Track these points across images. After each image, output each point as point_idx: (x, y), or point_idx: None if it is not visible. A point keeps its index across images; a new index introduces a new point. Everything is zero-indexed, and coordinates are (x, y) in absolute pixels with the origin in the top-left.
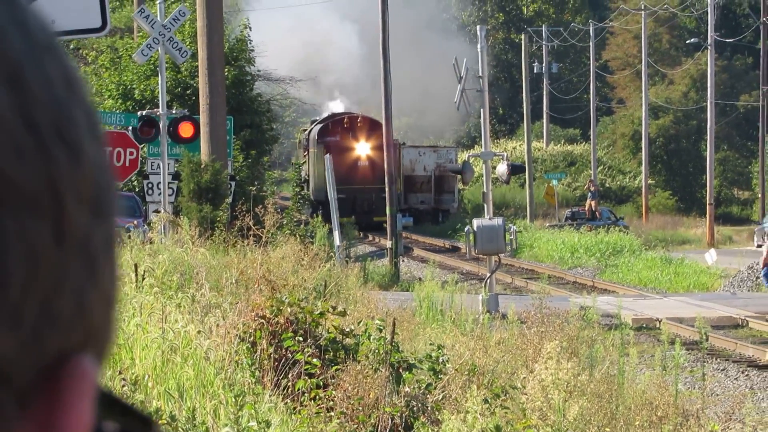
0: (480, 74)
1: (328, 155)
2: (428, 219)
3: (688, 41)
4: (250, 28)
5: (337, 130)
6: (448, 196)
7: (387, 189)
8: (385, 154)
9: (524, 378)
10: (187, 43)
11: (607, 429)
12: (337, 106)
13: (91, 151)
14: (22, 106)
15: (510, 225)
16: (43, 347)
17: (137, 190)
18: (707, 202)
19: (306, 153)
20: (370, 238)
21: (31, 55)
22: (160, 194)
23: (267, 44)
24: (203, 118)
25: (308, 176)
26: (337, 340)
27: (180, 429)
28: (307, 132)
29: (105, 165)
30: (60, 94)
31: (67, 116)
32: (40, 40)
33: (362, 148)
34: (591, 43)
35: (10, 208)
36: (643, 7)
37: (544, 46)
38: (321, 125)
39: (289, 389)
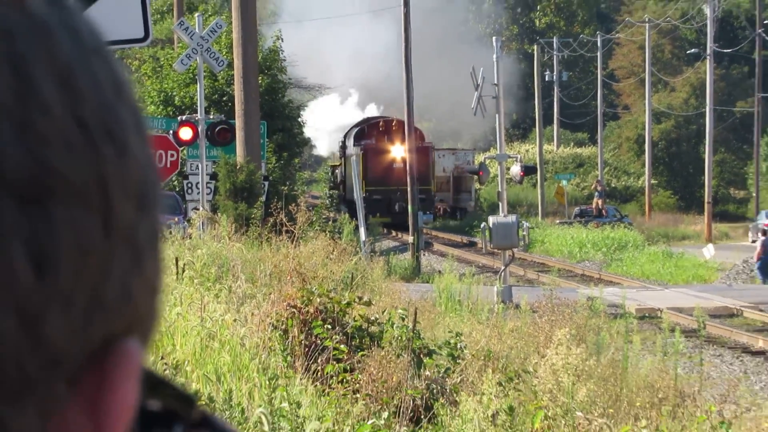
0: (495, 82)
1: (354, 157)
2: (447, 216)
3: (688, 51)
4: (282, 40)
5: (372, 133)
6: (465, 195)
7: (408, 189)
8: (407, 157)
9: (536, 363)
10: (224, 53)
11: (612, 410)
12: (371, 110)
13: (137, 150)
14: (73, 105)
15: (523, 222)
16: (92, 331)
17: (178, 189)
18: (706, 201)
19: (344, 155)
20: (394, 234)
21: (81, 57)
22: (198, 193)
23: (314, 55)
24: (239, 122)
25: (344, 177)
26: (363, 327)
27: (218, 410)
28: (343, 135)
29: (150, 163)
30: (108, 95)
31: (115, 116)
32: (89, 43)
33: (397, 151)
34: (598, 53)
35: (61, 199)
36: (647, 20)
37: (555, 56)
38: (357, 128)
39: (319, 373)
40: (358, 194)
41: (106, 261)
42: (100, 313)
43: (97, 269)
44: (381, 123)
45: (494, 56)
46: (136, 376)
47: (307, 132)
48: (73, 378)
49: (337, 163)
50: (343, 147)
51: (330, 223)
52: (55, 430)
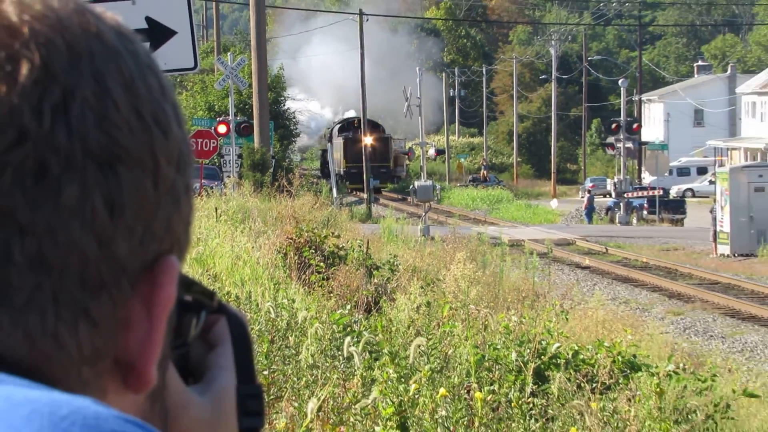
0: (418, 96)
1: (330, 144)
2: (389, 181)
3: (541, 77)
4: (283, 70)
5: (350, 128)
6: (400, 168)
7: (364, 165)
8: (363, 147)
9: (444, 274)
10: (246, 77)
11: (492, 304)
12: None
13: (176, 131)
14: (133, 103)
15: (436, 185)
16: (145, 251)
17: (217, 164)
18: (552, 172)
19: (330, 142)
20: (356, 193)
21: (139, 71)
22: (230, 167)
23: (304, 77)
24: (255, 122)
25: (331, 157)
26: (335, 252)
27: (241, 304)
28: (330, 129)
29: (185, 140)
30: (157, 96)
31: (161, 110)
32: (144, 61)
33: (367, 139)
34: (483, 78)
35: (126, 165)
36: (514, 57)
37: (456, 80)
38: (340, 125)
39: (306, 281)
40: (332, 169)
41: (155, 205)
42: (151, 239)
43: (149, 210)
44: (356, 121)
45: (417, 79)
46: (176, 279)
47: (300, 128)
48: (134, 280)
49: (326, 148)
50: (330, 137)
51: (314, 186)
52: (122, 314)
